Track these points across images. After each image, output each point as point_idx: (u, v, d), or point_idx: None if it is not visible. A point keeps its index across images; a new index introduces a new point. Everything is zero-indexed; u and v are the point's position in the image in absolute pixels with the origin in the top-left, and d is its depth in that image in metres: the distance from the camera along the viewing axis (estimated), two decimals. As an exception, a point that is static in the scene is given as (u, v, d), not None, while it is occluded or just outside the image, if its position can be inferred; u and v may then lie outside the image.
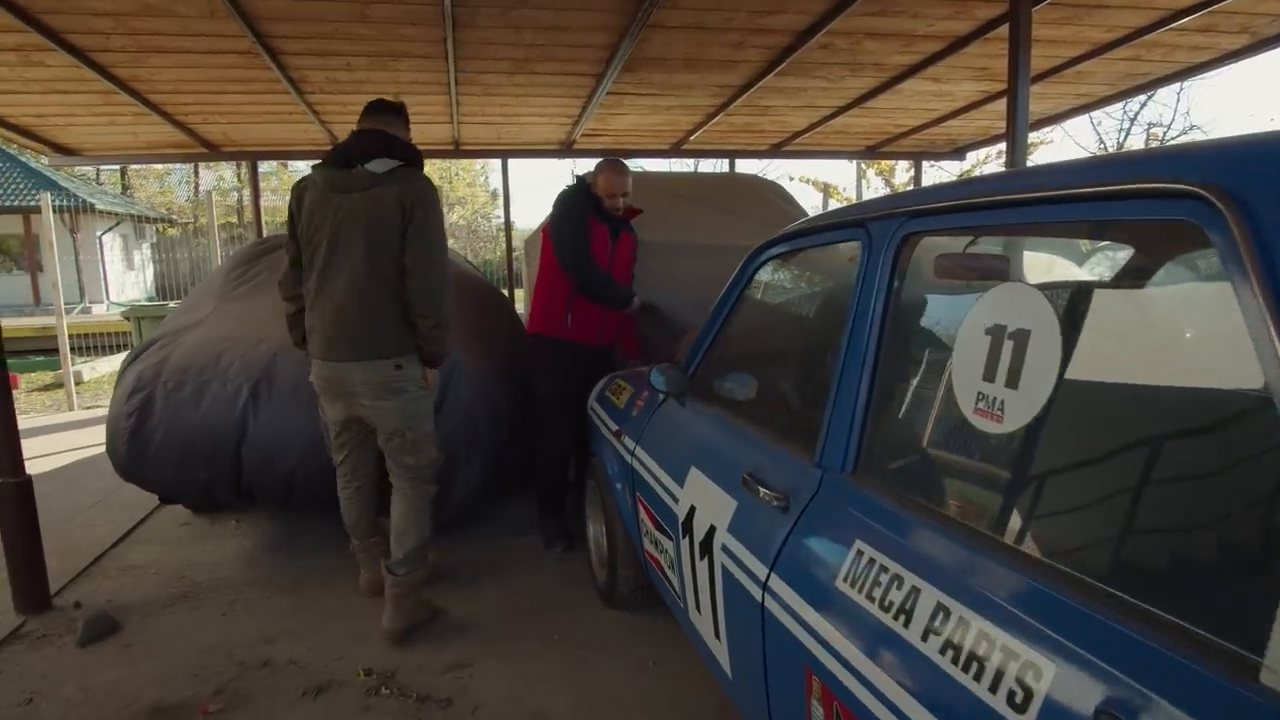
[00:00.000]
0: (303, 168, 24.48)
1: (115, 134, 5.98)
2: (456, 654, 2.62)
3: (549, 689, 2.42)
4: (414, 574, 2.72)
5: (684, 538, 1.94)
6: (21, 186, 17.82)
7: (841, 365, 1.47)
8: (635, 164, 4.19)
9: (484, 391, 3.45)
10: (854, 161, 14.99)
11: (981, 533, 1.08)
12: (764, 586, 1.48)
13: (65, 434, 6.38)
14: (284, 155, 7.04)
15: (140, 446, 3.24)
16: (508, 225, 7.47)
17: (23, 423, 6.97)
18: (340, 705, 2.34)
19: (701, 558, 1.81)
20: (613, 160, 3.53)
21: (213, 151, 6.60)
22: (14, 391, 8.82)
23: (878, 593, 1.17)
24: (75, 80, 4.66)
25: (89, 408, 7.68)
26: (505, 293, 7.23)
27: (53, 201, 11.57)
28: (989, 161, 13.08)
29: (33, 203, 16.04)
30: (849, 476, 1.41)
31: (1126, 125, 14.94)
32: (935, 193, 1.32)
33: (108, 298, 18.04)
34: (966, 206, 1.19)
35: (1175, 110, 14.67)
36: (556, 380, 3.47)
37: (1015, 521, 1.11)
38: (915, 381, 1.40)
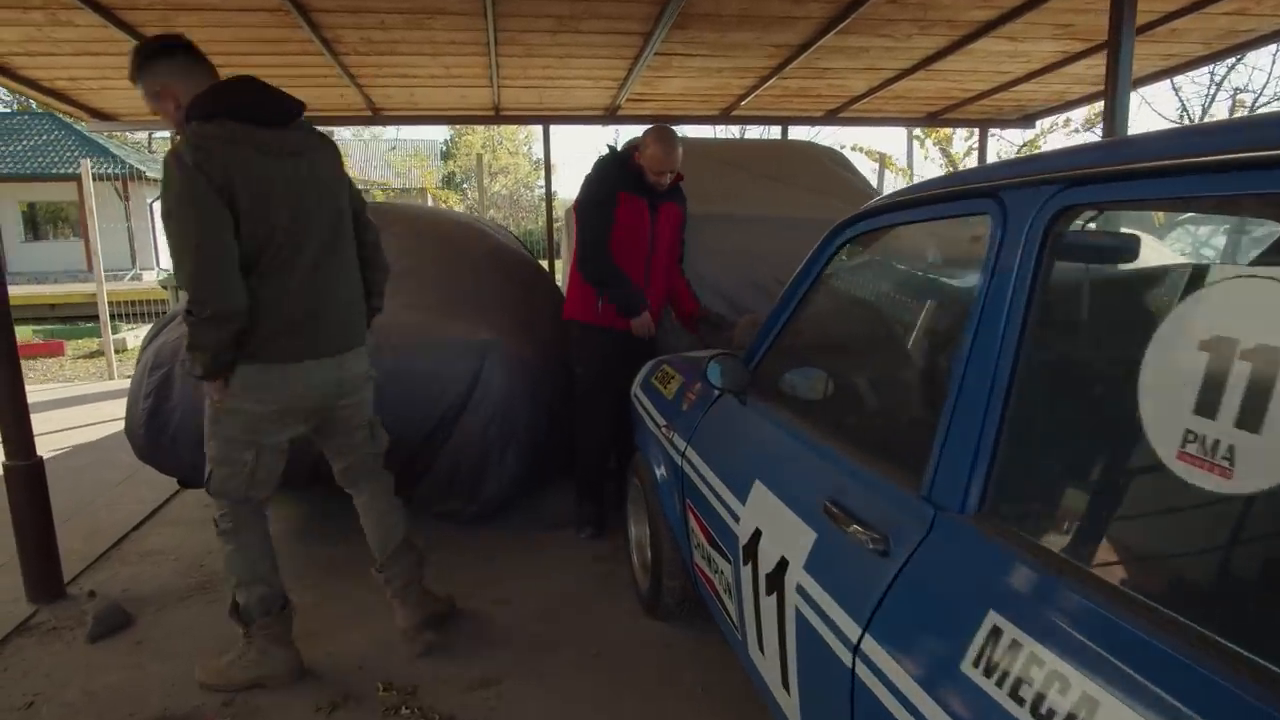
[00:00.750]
0: (347, 136, 24.46)
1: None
2: (484, 668, 2.38)
3: (586, 714, 2.17)
4: (408, 564, 2.50)
5: (746, 564, 1.65)
6: (75, 154, 18.10)
7: (964, 372, 1.15)
8: (680, 130, 3.84)
9: (524, 380, 3.21)
10: (908, 130, 14.31)
11: (1201, 633, 0.77)
12: (855, 649, 1.18)
13: (104, 404, 6.33)
14: (321, 121, 6.80)
15: (158, 429, 3.07)
16: (549, 195, 7.16)
17: (66, 391, 7.02)
18: (356, 726, 2.13)
19: (769, 592, 1.53)
20: (661, 129, 3.18)
21: (375, 115, 6.40)
22: (60, 358, 8.97)
23: (1028, 693, 0.87)
24: (105, 41, 4.47)
25: (129, 376, 7.66)
26: (545, 265, 6.98)
27: (103, 169, 11.64)
28: (1055, 130, 12.29)
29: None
30: (972, 519, 1.10)
31: (1211, 90, 13.81)
32: (1113, 151, 0.99)
33: (158, 265, 18.30)
34: (1175, 169, 0.85)
35: (1269, 74, 13.37)
36: (593, 366, 3.24)
37: (1249, 619, 0.79)
38: (1074, 401, 1.08)
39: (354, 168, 23.84)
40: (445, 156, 28.39)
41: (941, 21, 4.65)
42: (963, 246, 1.41)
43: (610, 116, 6.87)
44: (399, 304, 3.26)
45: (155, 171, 18.69)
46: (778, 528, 1.52)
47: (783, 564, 1.46)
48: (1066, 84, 6.23)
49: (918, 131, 11.52)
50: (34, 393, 7.19)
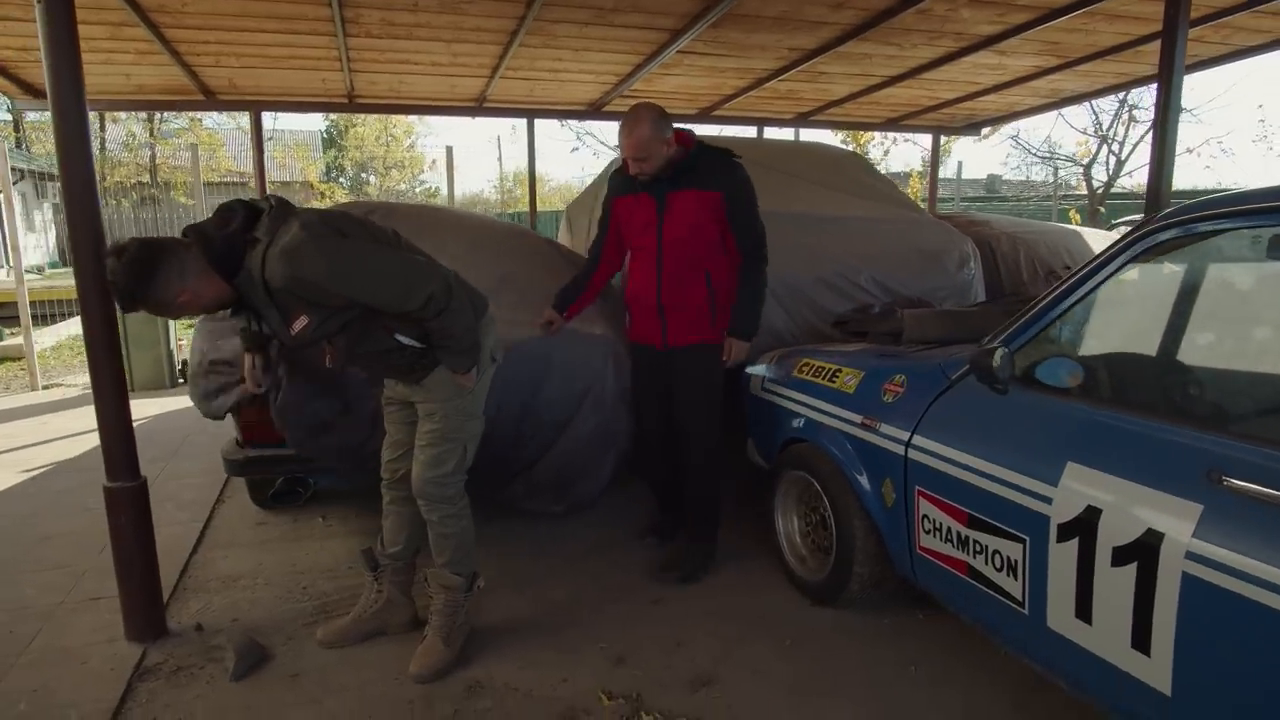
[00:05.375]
0: (216, 124, 22.73)
1: (105, 75, 5.19)
2: (690, 668, 2.35)
3: (822, 702, 2.19)
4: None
5: (1064, 540, 1.74)
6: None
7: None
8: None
9: (626, 380, 3.18)
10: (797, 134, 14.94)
11: None
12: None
13: (50, 417, 5.59)
14: (288, 106, 6.32)
15: None
16: (532, 191, 6.96)
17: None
18: (607, 737, 2.05)
19: (1119, 563, 1.62)
20: (626, 114, 2.78)
21: (209, 100, 5.84)
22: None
23: None
24: (84, 8, 3.96)
25: (58, 384, 6.81)
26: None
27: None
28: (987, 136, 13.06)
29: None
30: None
31: (1114, 107, 14.93)
32: None
33: (7, 262, 16.26)
34: None
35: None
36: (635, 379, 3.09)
37: None
38: None
39: (230, 159, 22.35)
40: (328, 146, 27.01)
41: (950, 34, 4.93)
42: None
43: (595, 112, 6.81)
44: (507, 303, 3.12)
45: (19, 160, 16.62)
46: (1129, 503, 1.61)
47: (1152, 536, 1.55)
48: (1022, 96, 6.75)
49: (843, 136, 12.09)
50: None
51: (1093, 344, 2.03)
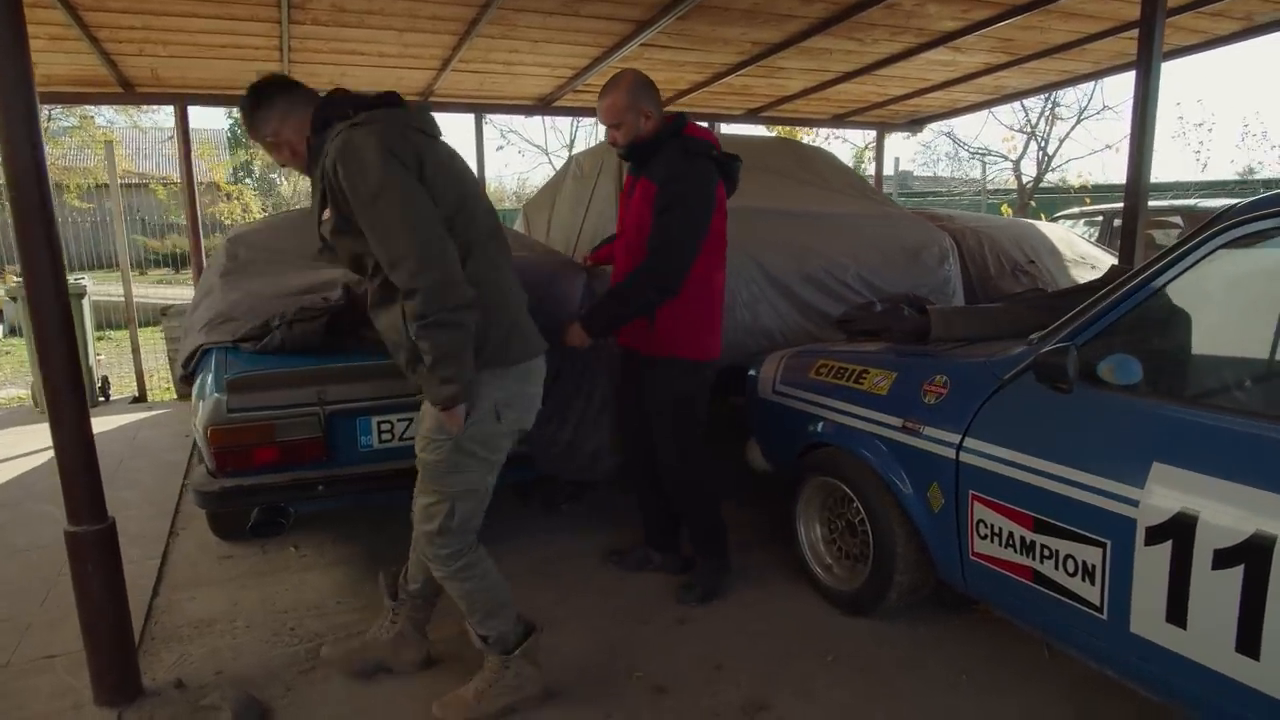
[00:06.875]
0: (109, 121, 21.25)
1: (9, 63, 4.67)
2: (738, 694, 2.21)
3: (884, 723, 2.09)
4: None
5: (1153, 544, 1.68)
6: None
7: None
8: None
9: None
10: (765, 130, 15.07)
11: None
12: None
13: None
14: (216, 100, 5.82)
15: None
16: (482, 188, 6.66)
17: None
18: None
19: (1220, 566, 1.57)
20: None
21: (127, 92, 5.33)
22: None
23: None
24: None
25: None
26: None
27: None
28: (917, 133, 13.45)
29: None
30: None
31: (1041, 105, 15.36)
32: None
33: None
34: None
35: (1092, 92, 14.89)
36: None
37: None
38: None
39: (128, 160, 20.98)
40: (234, 146, 25.65)
41: (913, 29, 4.94)
42: None
43: (544, 108, 6.59)
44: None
45: None
46: (1232, 505, 1.56)
47: (1261, 537, 1.50)
48: (966, 93, 6.87)
49: (778, 132, 12.14)
50: None
51: (1164, 339, 1.99)
